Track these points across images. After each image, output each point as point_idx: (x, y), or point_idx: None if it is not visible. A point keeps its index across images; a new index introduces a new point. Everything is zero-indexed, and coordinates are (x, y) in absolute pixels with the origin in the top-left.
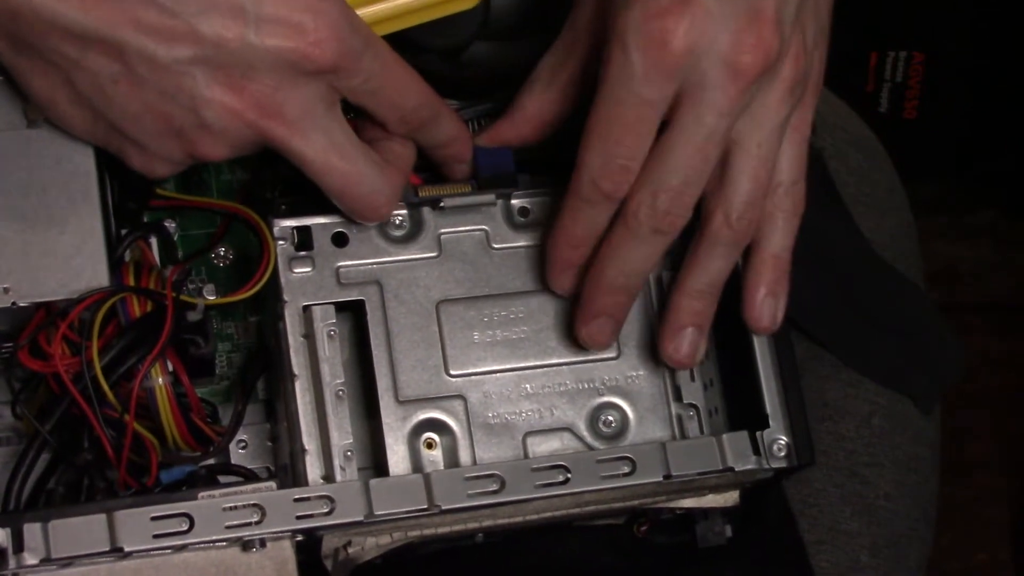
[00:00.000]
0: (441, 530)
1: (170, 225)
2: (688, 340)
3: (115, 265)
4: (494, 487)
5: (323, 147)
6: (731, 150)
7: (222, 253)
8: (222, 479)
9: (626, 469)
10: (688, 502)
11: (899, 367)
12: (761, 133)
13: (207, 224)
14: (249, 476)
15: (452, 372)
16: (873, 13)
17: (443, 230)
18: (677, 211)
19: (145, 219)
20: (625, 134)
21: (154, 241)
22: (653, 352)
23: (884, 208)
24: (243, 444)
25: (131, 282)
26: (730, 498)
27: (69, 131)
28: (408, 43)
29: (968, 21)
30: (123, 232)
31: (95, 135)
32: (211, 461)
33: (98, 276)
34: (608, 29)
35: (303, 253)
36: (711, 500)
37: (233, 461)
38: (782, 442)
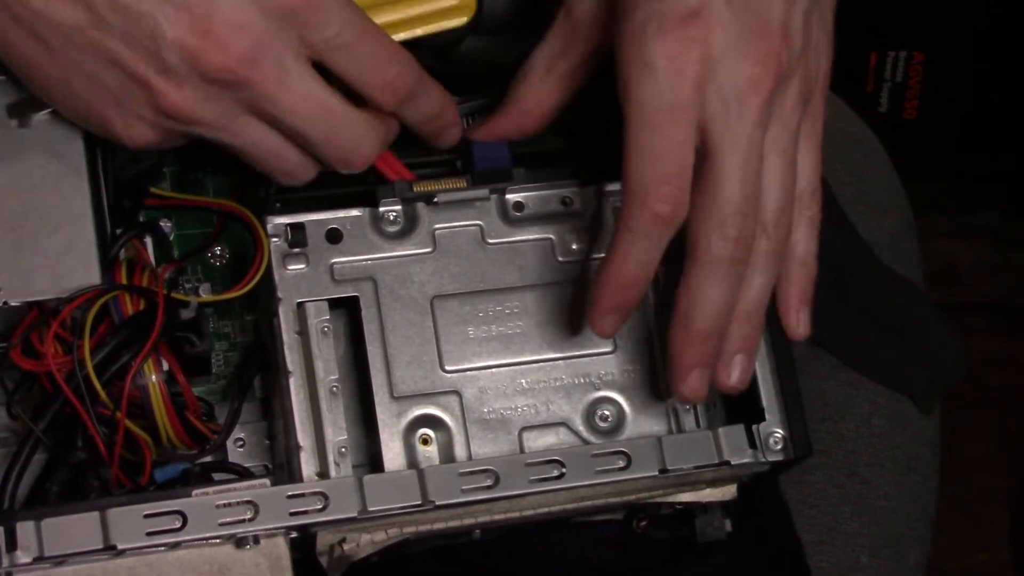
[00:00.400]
0: (437, 526)
1: (166, 224)
2: (739, 367)
3: (109, 264)
4: (488, 482)
5: (301, 93)
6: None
7: (218, 252)
8: (217, 477)
9: (621, 463)
10: (685, 496)
11: (899, 367)
12: (782, 140)
13: (203, 223)
14: (244, 474)
15: (447, 368)
16: (873, 13)
17: (437, 225)
18: (748, 234)
19: (141, 219)
20: (668, 145)
21: (149, 240)
22: (649, 346)
23: (884, 208)
24: (241, 443)
25: (124, 280)
26: (727, 492)
27: (51, 102)
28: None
29: (968, 21)
30: (118, 232)
31: (75, 102)
32: (209, 459)
33: (90, 275)
34: (621, 40)
35: (297, 250)
36: (708, 494)
37: (231, 460)
38: (778, 435)
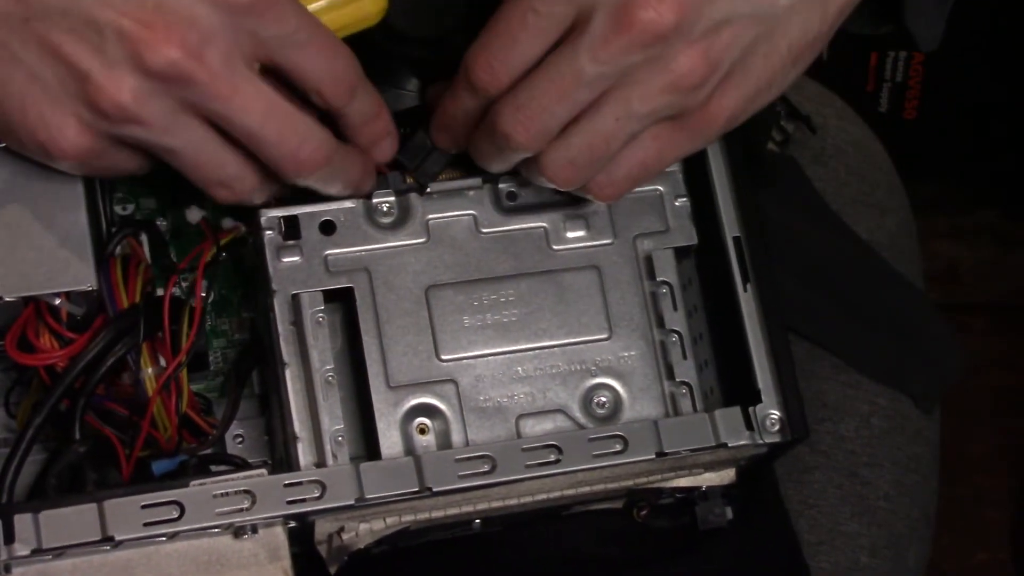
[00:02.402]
0: (435, 514)
1: (161, 224)
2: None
3: (103, 259)
4: (485, 468)
5: (251, 91)
6: (592, 105)
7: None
8: (215, 469)
9: (618, 447)
10: (684, 481)
11: (900, 367)
12: (622, 108)
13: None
14: (242, 465)
15: (443, 357)
16: None
17: (431, 216)
18: (529, 141)
19: (137, 217)
20: (508, 36)
21: (145, 238)
22: (644, 332)
23: (884, 208)
24: (240, 439)
25: (118, 276)
26: (726, 476)
27: None
28: (392, 31)
29: (968, 21)
30: (112, 230)
31: (11, 104)
32: (209, 451)
33: (84, 269)
34: None
35: (291, 242)
36: (707, 478)
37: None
38: (775, 416)
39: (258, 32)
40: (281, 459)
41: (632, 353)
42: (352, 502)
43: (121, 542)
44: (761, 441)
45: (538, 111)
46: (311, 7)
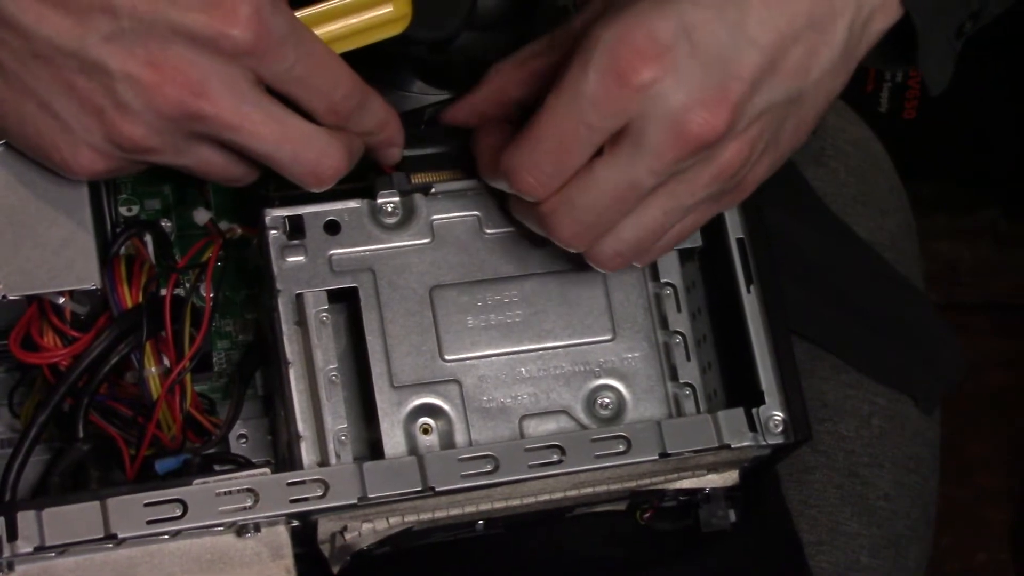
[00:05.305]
0: (438, 515)
1: (166, 225)
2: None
3: (108, 259)
4: (488, 468)
5: (259, 117)
6: (641, 201)
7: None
8: (218, 468)
9: (621, 448)
10: (687, 483)
11: (899, 366)
12: (672, 203)
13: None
14: (245, 464)
15: (447, 357)
16: None
17: (435, 216)
18: (580, 243)
19: (142, 217)
20: (558, 148)
21: (149, 239)
22: (648, 334)
23: (884, 208)
24: (244, 439)
25: (122, 275)
26: (729, 477)
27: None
28: (397, 35)
29: None
30: (117, 231)
31: (25, 128)
32: (212, 450)
33: (88, 268)
34: (582, 39)
35: (295, 242)
36: (710, 480)
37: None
38: (778, 418)
39: (258, 69)
40: (284, 459)
41: (636, 354)
42: (355, 501)
43: (124, 540)
44: (764, 442)
45: (595, 219)
46: (340, 27)
